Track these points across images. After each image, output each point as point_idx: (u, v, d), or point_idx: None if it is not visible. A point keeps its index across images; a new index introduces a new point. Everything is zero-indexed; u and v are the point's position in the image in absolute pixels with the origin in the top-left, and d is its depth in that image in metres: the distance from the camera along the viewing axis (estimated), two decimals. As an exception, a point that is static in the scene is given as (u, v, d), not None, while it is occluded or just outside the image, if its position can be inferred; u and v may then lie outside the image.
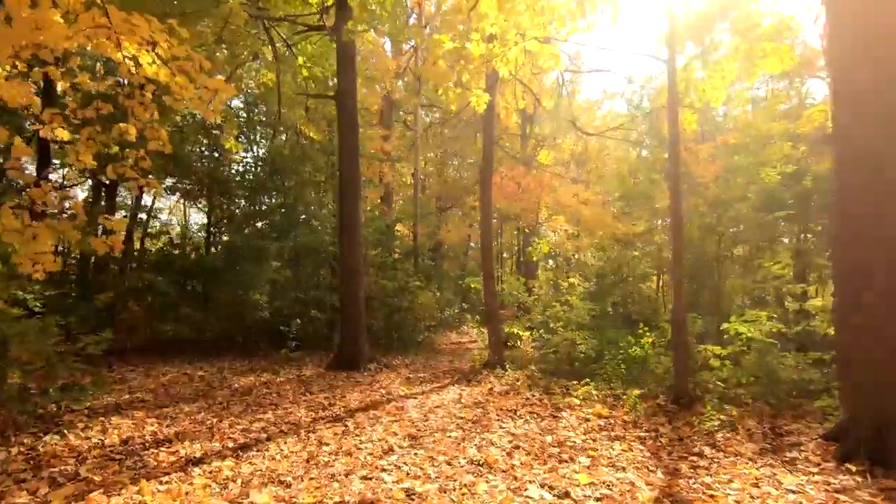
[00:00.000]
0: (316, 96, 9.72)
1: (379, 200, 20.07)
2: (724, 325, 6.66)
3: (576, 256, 19.95)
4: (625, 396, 6.50)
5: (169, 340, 10.88)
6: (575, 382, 7.23)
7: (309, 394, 6.78)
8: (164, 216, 23.05)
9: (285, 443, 4.59)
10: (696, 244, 11.77)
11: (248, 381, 7.74)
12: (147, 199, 13.47)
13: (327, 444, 4.56)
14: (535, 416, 5.70)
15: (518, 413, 5.80)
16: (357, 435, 4.91)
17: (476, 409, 6.04)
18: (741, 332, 6.67)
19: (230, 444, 4.48)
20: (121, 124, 4.79)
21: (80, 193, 18.89)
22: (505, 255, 34.26)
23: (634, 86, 19.90)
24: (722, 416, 5.46)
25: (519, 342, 9.63)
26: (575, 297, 8.91)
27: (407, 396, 6.72)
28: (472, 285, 11.56)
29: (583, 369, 8.20)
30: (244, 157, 12.84)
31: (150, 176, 5.16)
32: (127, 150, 5.11)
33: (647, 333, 7.11)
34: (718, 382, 6.30)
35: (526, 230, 19.68)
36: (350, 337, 8.89)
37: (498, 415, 5.73)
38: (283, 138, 13.88)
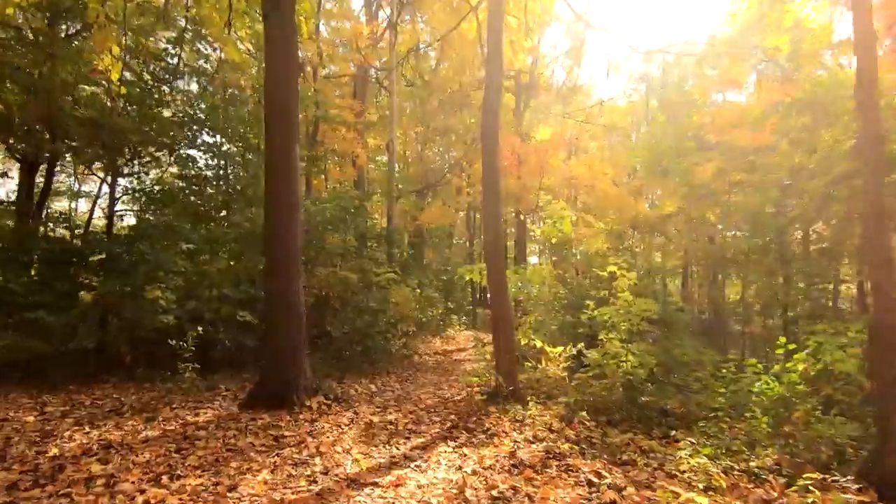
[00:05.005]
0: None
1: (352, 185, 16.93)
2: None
3: (580, 248, 17.04)
4: (766, 474, 3.47)
5: (30, 360, 7.41)
6: (658, 438, 4.17)
7: (170, 478, 3.52)
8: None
9: None
10: (759, 231, 8.94)
11: (88, 438, 4.44)
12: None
13: None
14: (636, 551, 2.60)
15: (596, 541, 2.68)
16: None
17: (500, 521, 2.90)
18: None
19: None
20: None
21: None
22: (489, 251, 31.30)
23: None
24: None
25: (544, 362, 6.52)
26: (626, 294, 5.86)
27: (358, 481, 3.52)
28: (468, 277, 8.44)
29: (648, 405, 5.17)
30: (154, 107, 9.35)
31: None
32: None
33: (800, 358, 4.02)
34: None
35: (522, 216, 16.66)
36: (278, 357, 5.65)
37: (554, 548, 2.60)
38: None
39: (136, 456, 3.93)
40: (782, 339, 3.99)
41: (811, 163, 9.66)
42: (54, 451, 4.09)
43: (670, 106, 15.43)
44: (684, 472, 3.54)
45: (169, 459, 3.87)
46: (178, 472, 3.62)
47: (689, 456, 3.64)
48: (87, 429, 4.74)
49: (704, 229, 12.21)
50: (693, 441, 4.02)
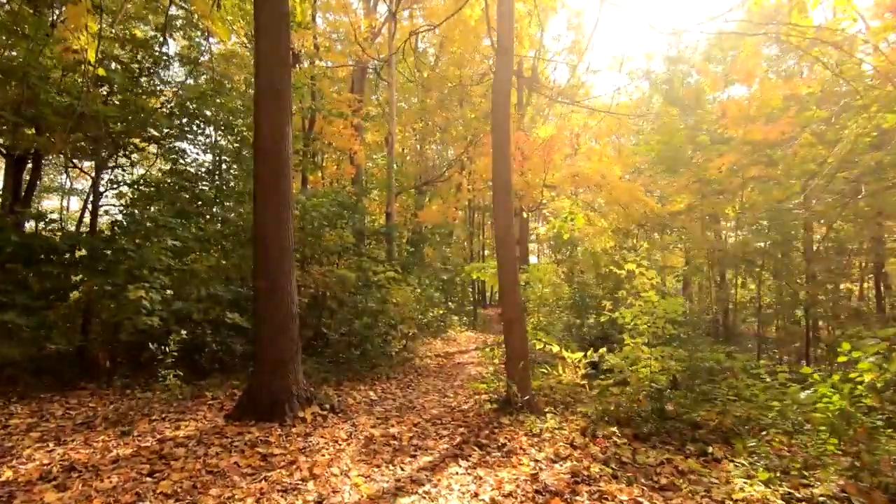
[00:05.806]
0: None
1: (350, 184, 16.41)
2: None
3: (582, 247, 16.58)
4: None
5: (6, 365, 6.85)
6: (695, 456, 3.67)
7: (136, 510, 3.00)
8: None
9: None
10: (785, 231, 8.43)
11: (50, 457, 3.91)
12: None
13: None
14: None
15: None
16: None
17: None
18: None
19: None
20: None
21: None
22: (487, 252, 30.83)
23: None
24: None
25: (561, 368, 6.02)
26: (650, 293, 5.37)
27: (361, 513, 3.02)
28: (475, 276, 7.94)
29: (677, 417, 4.68)
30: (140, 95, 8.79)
31: None
32: None
33: (865, 367, 3.48)
34: None
35: (526, 214, 16.18)
36: (269, 362, 5.13)
37: None
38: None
39: (101, 481, 3.41)
40: (846, 346, 3.51)
41: (830, 157, 9.23)
42: (8, 474, 3.56)
43: (679, 101, 14.99)
44: (737, 500, 3.05)
45: (138, 485, 3.35)
46: (148, 501, 3.10)
47: (745, 481, 3.14)
48: (51, 445, 4.20)
49: (715, 226, 11.75)
50: (743, 462, 3.53)
